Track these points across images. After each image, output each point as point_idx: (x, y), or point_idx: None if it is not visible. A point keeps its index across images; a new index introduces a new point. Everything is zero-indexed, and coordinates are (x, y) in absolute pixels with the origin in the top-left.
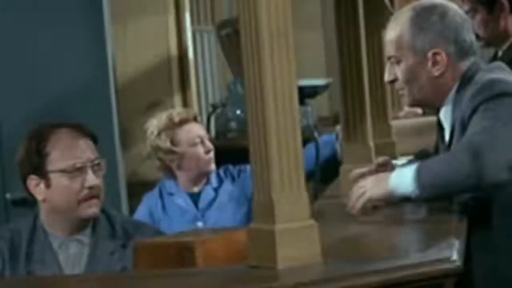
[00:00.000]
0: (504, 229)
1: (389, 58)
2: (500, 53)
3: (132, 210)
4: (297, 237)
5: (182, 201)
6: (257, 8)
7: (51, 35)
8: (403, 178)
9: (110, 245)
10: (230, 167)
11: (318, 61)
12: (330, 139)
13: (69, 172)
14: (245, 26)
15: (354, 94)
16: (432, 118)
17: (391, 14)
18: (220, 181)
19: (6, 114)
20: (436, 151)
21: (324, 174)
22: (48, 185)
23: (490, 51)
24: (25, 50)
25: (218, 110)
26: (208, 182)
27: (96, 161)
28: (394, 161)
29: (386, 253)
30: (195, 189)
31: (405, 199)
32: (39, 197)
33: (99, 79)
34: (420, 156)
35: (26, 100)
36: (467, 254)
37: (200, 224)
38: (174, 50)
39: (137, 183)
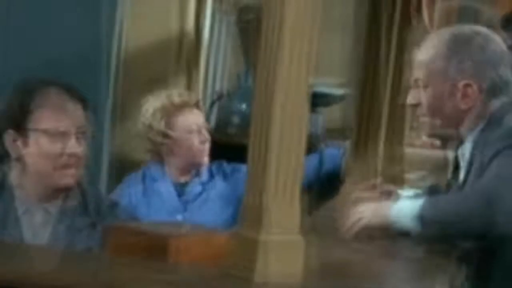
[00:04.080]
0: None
1: (416, 80)
2: None
3: (111, 189)
4: (280, 252)
5: (165, 189)
6: (284, 3)
7: None
8: (406, 211)
9: (79, 221)
10: (224, 163)
11: (337, 69)
12: (335, 153)
13: (50, 134)
14: (268, 19)
15: (371, 112)
16: (450, 154)
17: (428, 32)
18: (211, 176)
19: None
20: (447, 189)
21: (323, 189)
22: (25, 144)
23: None
24: (31, 6)
25: (223, 100)
26: (197, 174)
27: (82, 129)
28: (399, 191)
29: (369, 283)
30: (182, 180)
31: (404, 234)
32: (14, 154)
33: (103, 46)
34: (429, 191)
35: (23, 56)
36: None
37: (179, 217)
38: (190, 27)
39: (121, 161)
